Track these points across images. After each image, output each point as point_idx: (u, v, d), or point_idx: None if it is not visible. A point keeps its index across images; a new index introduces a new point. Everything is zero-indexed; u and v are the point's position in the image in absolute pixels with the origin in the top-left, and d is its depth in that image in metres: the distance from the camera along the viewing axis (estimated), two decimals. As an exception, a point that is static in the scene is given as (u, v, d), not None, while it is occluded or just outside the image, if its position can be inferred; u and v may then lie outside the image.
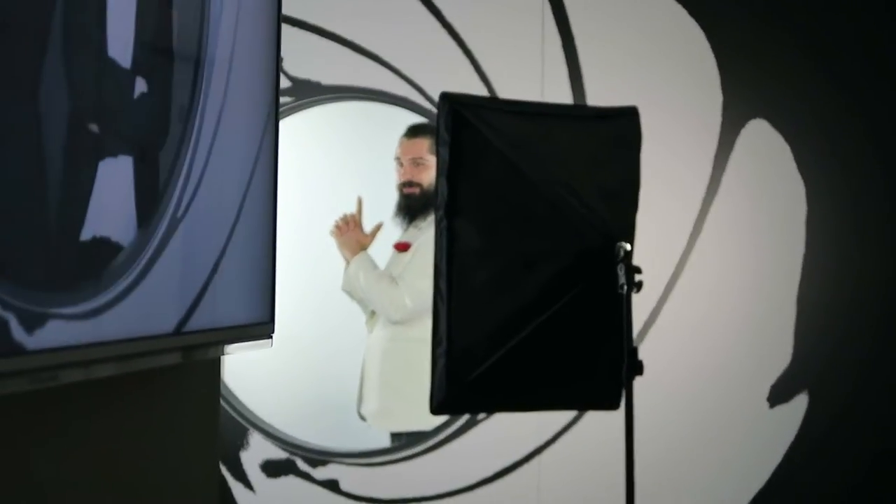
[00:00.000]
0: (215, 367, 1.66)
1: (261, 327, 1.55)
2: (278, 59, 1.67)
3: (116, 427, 1.41)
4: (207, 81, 1.33)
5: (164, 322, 1.29)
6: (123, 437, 1.41)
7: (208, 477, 1.61)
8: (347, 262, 4.54)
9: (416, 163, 4.59)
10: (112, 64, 1.06)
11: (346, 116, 5.13)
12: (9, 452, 1.20)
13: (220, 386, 1.71)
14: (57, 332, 1.09)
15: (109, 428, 1.39)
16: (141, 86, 1.12)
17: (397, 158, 4.64)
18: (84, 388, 1.24)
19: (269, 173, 1.59)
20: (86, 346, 1.17)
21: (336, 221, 4.60)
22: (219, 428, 1.58)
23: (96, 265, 1.14)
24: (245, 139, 1.51)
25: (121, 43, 1.08)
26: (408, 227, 4.63)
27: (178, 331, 1.34)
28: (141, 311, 1.20)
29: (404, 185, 4.61)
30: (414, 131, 4.65)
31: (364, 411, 4.57)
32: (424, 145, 4.61)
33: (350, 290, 4.56)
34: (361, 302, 4.58)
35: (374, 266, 4.54)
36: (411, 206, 4.61)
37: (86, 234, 1.08)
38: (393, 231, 4.68)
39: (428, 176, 4.58)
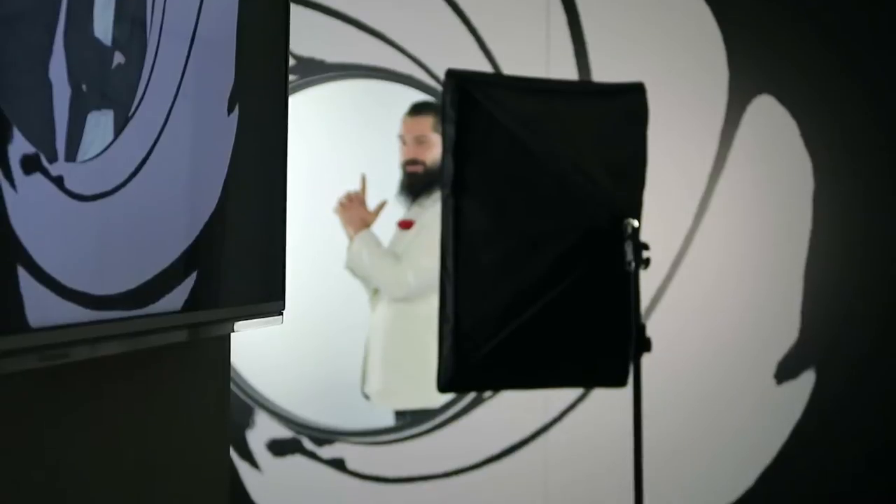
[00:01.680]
0: (225, 344, 1.65)
1: (271, 304, 1.55)
2: (286, 36, 1.65)
3: (125, 406, 1.40)
4: (201, 57, 1.33)
5: (171, 296, 1.29)
6: (132, 415, 1.40)
7: (218, 456, 1.60)
8: (351, 239, 4.54)
9: (420, 141, 4.59)
10: (96, 41, 1.16)
11: (351, 94, 5.12)
12: (23, 430, 1.19)
13: (229, 364, 1.70)
14: (63, 307, 1.09)
15: (117, 406, 1.39)
16: (119, 58, 1.20)
17: (401, 136, 4.64)
18: (91, 366, 1.23)
19: (277, 150, 1.58)
20: (93, 323, 1.16)
21: (340, 198, 4.60)
22: (229, 406, 1.57)
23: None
24: (246, 115, 1.50)
25: (102, 26, 1.20)
26: (411, 205, 4.63)
27: (186, 308, 1.33)
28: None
29: (408, 163, 4.61)
30: (417, 109, 4.64)
31: (368, 390, 4.57)
32: (428, 123, 4.61)
33: (353, 268, 4.56)
34: (364, 279, 4.58)
35: (378, 243, 4.53)
36: (414, 185, 4.61)
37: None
38: (396, 209, 4.67)
39: (431, 154, 4.58)
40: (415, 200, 4.63)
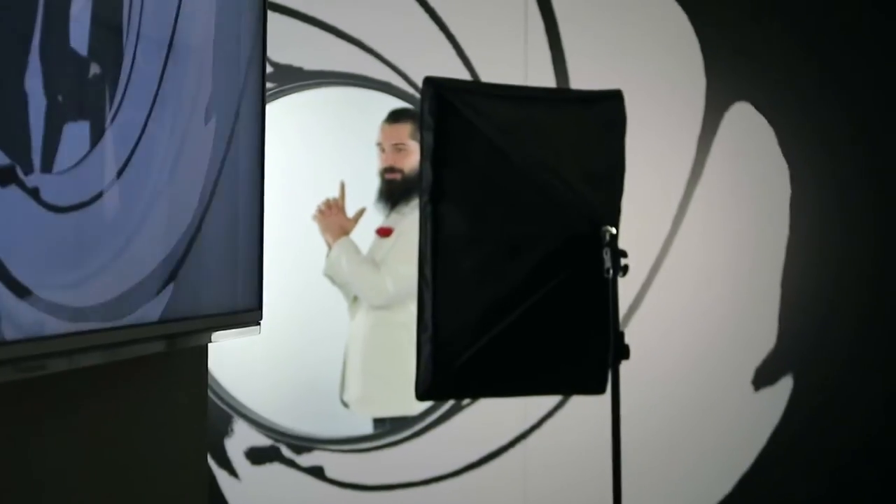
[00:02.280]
0: (202, 354, 1.64)
1: (248, 314, 1.54)
2: (264, 45, 1.65)
3: (103, 416, 1.39)
4: (178, 66, 1.33)
5: (149, 307, 1.28)
6: (111, 425, 1.39)
7: (197, 465, 1.59)
8: (329, 247, 4.54)
9: (398, 148, 4.59)
10: (73, 52, 1.17)
11: (329, 102, 5.11)
12: (7, 442, 1.19)
13: (207, 374, 1.70)
14: (40, 319, 1.08)
15: (96, 416, 1.38)
16: (95, 68, 1.20)
17: (379, 144, 4.64)
18: (69, 377, 1.23)
19: (253, 158, 1.57)
20: (70, 334, 1.15)
21: (319, 205, 4.59)
22: (206, 415, 1.57)
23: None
24: (223, 124, 1.50)
25: (79, 36, 1.20)
26: (390, 212, 4.62)
27: (163, 319, 1.32)
28: (122, 285, 1.22)
29: (386, 170, 4.61)
30: (395, 116, 4.64)
31: (347, 398, 4.57)
32: (406, 130, 4.60)
33: (332, 275, 4.55)
34: (343, 287, 4.57)
35: (357, 251, 4.53)
36: (393, 192, 4.61)
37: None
38: (375, 217, 4.66)
39: (410, 161, 4.58)
40: (393, 208, 4.62)
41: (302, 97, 4.78)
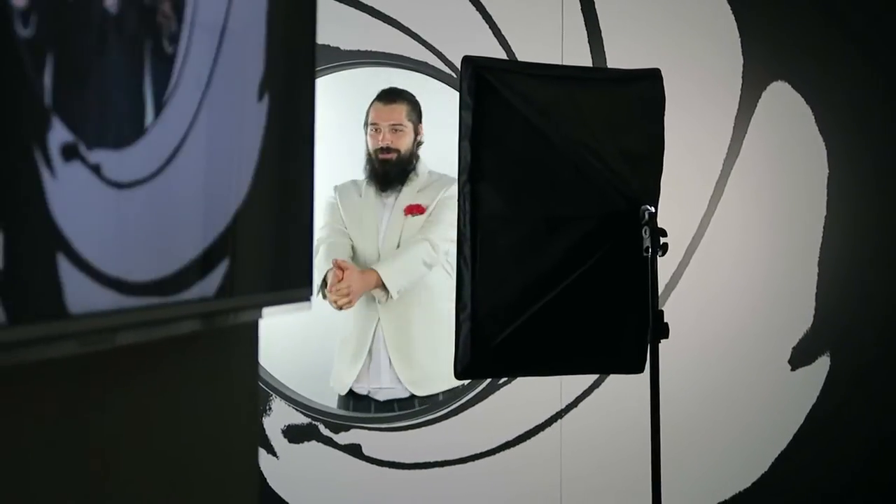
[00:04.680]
0: (254, 330, 1.67)
1: (299, 290, 1.56)
2: (314, 25, 1.67)
3: (156, 394, 1.41)
4: (232, 45, 1.35)
5: (204, 282, 1.31)
6: (164, 403, 1.42)
7: (249, 442, 1.62)
8: (386, 297, 4.43)
9: (395, 129, 4.57)
10: (132, 31, 1.17)
11: (366, 82, 5.12)
12: (58, 418, 1.21)
13: (258, 349, 1.72)
14: (102, 294, 1.11)
15: (149, 394, 1.40)
16: (152, 46, 1.21)
17: (373, 124, 4.59)
18: (123, 353, 1.25)
19: (304, 136, 1.59)
20: (130, 309, 1.18)
21: (331, 290, 4.38)
22: (258, 392, 1.59)
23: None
24: (275, 102, 1.51)
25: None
26: (382, 193, 4.59)
27: (218, 294, 1.35)
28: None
29: (381, 150, 4.58)
30: (390, 96, 4.61)
31: (405, 380, 4.53)
32: (403, 111, 4.59)
33: (404, 291, 4.48)
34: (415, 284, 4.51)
35: (394, 265, 4.45)
36: (388, 172, 4.58)
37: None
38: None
39: (405, 142, 4.57)
40: (384, 189, 4.60)
41: (339, 77, 4.79)
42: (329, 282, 4.40)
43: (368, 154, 4.64)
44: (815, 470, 4.32)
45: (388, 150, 4.56)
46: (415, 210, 4.57)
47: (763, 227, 4.35)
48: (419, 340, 4.52)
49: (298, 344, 5.52)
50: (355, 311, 4.55)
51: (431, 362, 4.47)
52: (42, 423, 1.17)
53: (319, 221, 4.62)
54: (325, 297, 4.43)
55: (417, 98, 4.68)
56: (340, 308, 4.40)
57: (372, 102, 4.65)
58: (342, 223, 4.63)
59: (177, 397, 1.41)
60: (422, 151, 4.67)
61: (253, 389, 1.63)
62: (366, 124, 4.65)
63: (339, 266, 4.37)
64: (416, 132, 4.63)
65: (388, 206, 4.61)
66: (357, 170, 4.74)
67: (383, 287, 4.41)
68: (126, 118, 1.15)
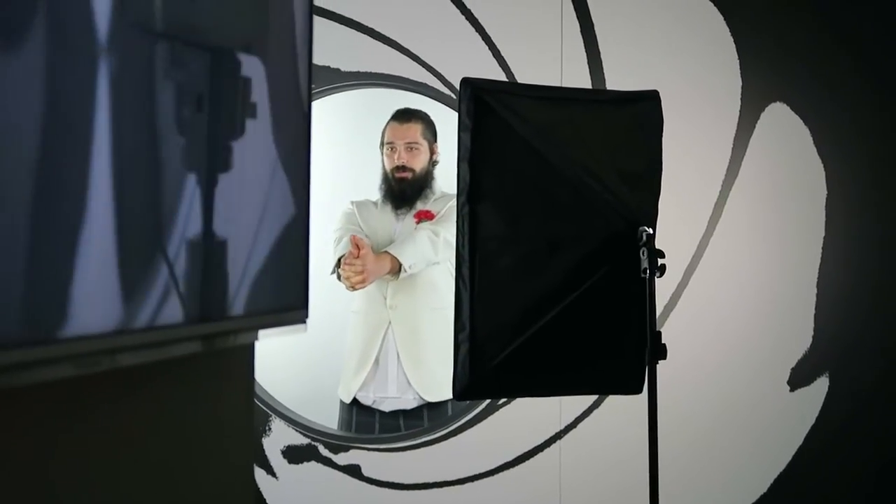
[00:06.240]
0: (249, 353, 1.67)
1: (294, 313, 1.57)
2: (310, 47, 1.68)
3: (150, 416, 1.42)
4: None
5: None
6: (158, 425, 1.42)
7: (244, 464, 1.62)
8: (399, 271, 4.43)
9: (410, 147, 4.61)
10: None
11: (366, 103, 5.14)
12: (48, 439, 1.21)
13: (254, 369, 1.73)
14: (91, 318, 1.11)
15: (143, 416, 1.40)
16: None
17: (389, 143, 4.64)
18: (114, 375, 1.25)
19: (300, 158, 1.60)
20: (122, 332, 1.18)
21: (346, 269, 4.39)
22: (253, 413, 1.59)
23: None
24: (274, 125, 1.52)
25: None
26: (397, 212, 4.62)
27: (214, 316, 1.35)
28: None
29: (398, 168, 4.61)
30: (405, 116, 4.66)
31: (416, 384, 4.54)
32: (418, 130, 4.63)
33: (416, 269, 4.48)
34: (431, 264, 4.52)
35: (403, 244, 4.48)
36: (405, 191, 4.61)
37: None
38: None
39: (420, 161, 4.61)
40: (399, 207, 4.63)
41: (339, 98, 4.81)
42: (344, 259, 4.39)
43: (385, 173, 4.68)
44: (814, 491, 4.31)
45: (404, 168, 4.60)
46: (424, 216, 4.60)
47: (762, 248, 4.36)
48: (430, 345, 4.53)
49: (298, 365, 5.53)
50: (364, 317, 4.56)
51: (442, 367, 4.48)
52: (38, 441, 1.18)
53: (336, 225, 4.66)
54: (339, 277, 4.44)
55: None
56: (353, 288, 4.38)
57: (388, 122, 4.70)
58: (359, 227, 4.66)
59: (172, 417, 1.42)
60: (437, 171, 4.71)
61: (249, 409, 1.63)
62: (382, 144, 4.69)
63: (356, 243, 4.35)
64: (432, 151, 4.68)
65: (402, 219, 4.65)
66: (367, 187, 4.75)
67: (394, 274, 4.43)
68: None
